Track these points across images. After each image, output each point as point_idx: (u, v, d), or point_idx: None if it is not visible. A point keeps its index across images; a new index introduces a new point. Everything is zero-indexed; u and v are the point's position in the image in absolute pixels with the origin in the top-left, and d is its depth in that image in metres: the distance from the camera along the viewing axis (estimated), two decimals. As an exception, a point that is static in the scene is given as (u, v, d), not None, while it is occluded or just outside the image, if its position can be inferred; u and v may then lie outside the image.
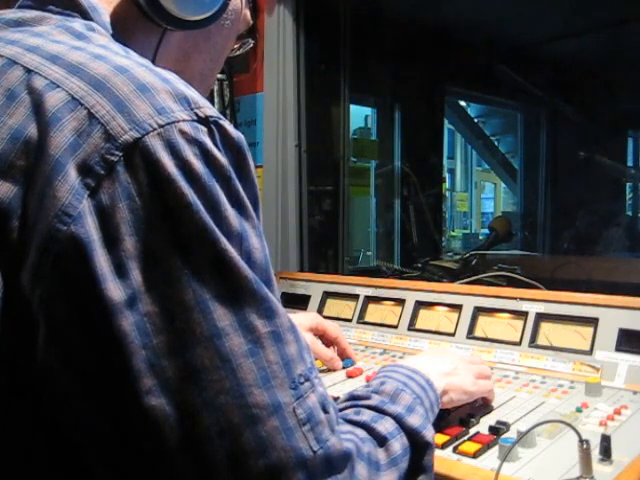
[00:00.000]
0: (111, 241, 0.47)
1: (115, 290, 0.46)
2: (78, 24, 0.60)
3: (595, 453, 0.78)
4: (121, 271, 0.47)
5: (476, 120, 5.89)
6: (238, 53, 0.81)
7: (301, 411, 0.51)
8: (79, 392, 0.48)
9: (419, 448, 0.66)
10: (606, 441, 0.78)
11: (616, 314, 1.12)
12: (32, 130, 0.49)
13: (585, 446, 0.73)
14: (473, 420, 0.92)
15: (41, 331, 0.47)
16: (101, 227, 0.47)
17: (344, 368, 1.22)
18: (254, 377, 0.49)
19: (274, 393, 0.50)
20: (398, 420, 0.66)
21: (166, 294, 0.48)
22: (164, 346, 0.47)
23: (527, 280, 1.53)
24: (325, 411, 0.54)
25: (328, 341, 1.26)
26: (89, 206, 0.47)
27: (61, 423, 0.49)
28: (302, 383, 0.52)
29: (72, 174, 0.47)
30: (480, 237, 6.73)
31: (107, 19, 0.64)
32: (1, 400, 0.50)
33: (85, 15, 0.62)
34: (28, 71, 0.52)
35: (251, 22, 0.78)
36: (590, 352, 1.11)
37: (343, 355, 1.25)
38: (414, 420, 0.67)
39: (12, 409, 0.50)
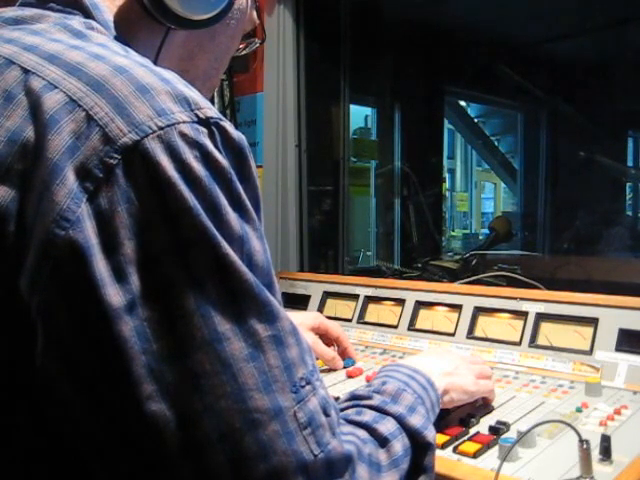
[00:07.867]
0: (110, 246, 0.47)
1: (115, 295, 0.46)
2: (77, 22, 0.59)
3: (595, 453, 0.78)
4: (120, 276, 0.46)
5: (476, 120, 5.88)
6: (244, 53, 0.80)
7: (302, 415, 0.51)
8: (78, 397, 0.48)
9: (420, 448, 0.66)
10: (606, 441, 0.78)
11: (616, 314, 1.12)
12: (30, 132, 0.48)
13: (585, 446, 0.73)
14: (473, 420, 0.92)
15: (40, 336, 0.47)
16: (100, 231, 0.47)
17: (345, 368, 1.22)
18: (255, 381, 0.49)
19: (275, 397, 0.49)
20: (400, 420, 0.66)
21: (166, 299, 0.47)
22: (164, 351, 0.47)
23: (527, 280, 1.53)
24: (326, 414, 0.53)
25: (330, 340, 1.26)
26: (88, 210, 0.46)
27: (61, 427, 0.49)
28: (303, 386, 0.52)
29: (70, 178, 0.46)
30: (480, 237, 6.71)
31: (110, 17, 0.63)
32: (1, 403, 0.49)
33: (86, 13, 0.61)
34: (25, 71, 0.51)
35: (257, 22, 0.77)
36: (590, 352, 1.11)
37: (344, 355, 1.25)
38: (415, 420, 0.67)
39: (12, 412, 0.50)
